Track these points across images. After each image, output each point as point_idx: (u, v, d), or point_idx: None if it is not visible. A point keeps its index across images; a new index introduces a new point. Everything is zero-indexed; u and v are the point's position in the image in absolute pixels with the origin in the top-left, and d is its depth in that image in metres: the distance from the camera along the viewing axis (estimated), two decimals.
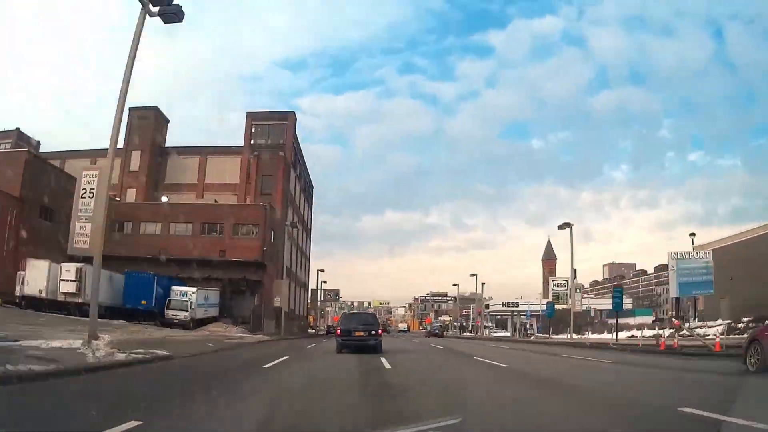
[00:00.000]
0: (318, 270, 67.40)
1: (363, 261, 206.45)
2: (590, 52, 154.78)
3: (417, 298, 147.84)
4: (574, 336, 38.28)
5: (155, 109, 54.01)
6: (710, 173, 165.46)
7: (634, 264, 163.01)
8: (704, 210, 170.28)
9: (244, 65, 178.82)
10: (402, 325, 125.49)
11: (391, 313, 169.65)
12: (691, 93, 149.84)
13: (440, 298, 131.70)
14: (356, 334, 18.38)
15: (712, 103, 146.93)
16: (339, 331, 19.15)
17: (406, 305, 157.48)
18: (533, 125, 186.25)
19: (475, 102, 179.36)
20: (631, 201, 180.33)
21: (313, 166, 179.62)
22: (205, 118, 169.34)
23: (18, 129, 63.30)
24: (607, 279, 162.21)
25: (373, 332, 18.51)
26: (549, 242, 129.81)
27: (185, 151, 52.68)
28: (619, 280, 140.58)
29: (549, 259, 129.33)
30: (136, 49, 13.93)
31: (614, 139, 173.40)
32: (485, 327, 73.98)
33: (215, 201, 47.46)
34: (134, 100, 46.64)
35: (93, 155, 42.59)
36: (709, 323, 31.59)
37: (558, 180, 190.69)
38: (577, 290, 43.35)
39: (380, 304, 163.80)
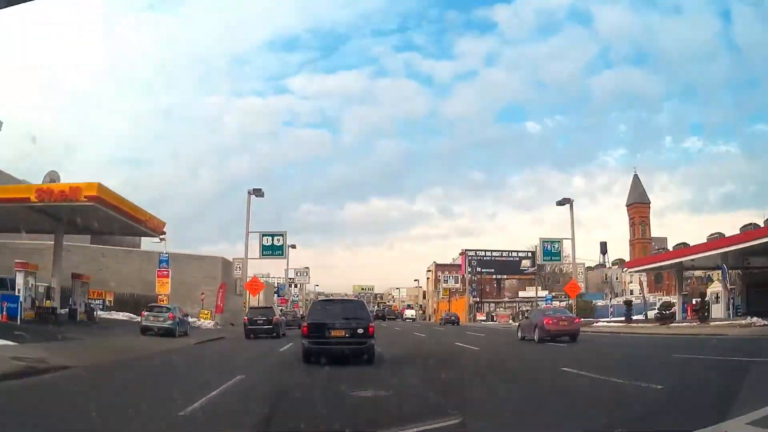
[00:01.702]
0: None
1: (345, 251, 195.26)
2: (596, 30, 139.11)
3: (462, 255, 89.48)
4: None
5: None
6: (705, 159, 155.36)
7: (666, 238, 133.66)
8: (695, 197, 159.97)
9: (230, 45, 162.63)
10: (409, 312, 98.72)
11: (380, 296, 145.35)
12: (692, 76, 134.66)
13: (497, 254, 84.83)
14: (333, 333, 12.52)
15: (712, 87, 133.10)
16: (306, 328, 12.88)
17: (426, 276, 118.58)
18: (530, 108, 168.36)
19: (473, 82, 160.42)
20: (622, 187, 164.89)
21: (299, 152, 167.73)
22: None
23: None
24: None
25: (360, 331, 12.45)
26: (637, 178, 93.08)
27: None
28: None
29: (639, 203, 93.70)
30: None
31: (611, 123, 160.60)
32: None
33: None
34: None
35: None
36: None
37: (551, 166, 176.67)
38: None
39: (362, 289, 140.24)
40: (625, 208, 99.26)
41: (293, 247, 68.92)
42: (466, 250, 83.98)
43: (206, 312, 35.03)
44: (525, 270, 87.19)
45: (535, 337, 21.38)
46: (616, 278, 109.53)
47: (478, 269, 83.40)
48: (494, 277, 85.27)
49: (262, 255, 37.99)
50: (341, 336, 12.60)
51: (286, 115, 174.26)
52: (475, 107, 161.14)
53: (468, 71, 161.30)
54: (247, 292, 37.57)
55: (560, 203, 40.56)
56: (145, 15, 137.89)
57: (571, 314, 25.17)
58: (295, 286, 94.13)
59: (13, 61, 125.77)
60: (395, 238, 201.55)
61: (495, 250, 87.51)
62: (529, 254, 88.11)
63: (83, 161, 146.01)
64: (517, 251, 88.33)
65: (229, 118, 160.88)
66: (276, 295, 79.41)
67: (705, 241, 47.28)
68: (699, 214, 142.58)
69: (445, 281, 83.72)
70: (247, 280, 36.85)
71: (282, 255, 37.96)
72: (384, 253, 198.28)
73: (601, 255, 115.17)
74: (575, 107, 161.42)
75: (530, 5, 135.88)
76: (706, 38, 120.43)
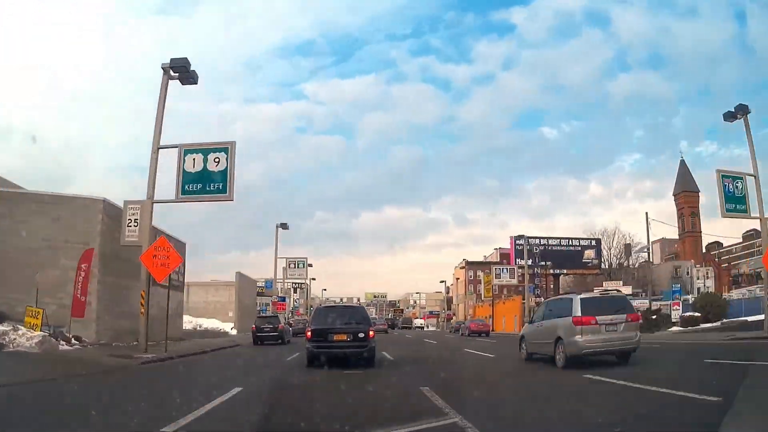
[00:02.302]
0: None
1: (357, 259, 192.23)
2: (613, 33, 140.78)
3: (511, 243, 65.41)
4: None
5: None
6: (717, 163, 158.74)
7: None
8: (707, 201, 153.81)
9: (242, 50, 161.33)
10: (419, 321, 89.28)
11: (395, 304, 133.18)
12: (707, 78, 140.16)
13: (554, 242, 66.85)
14: (336, 338, 13.04)
15: (726, 89, 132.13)
16: (310, 333, 13.44)
17: (456, 277, 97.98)
18: (547, 113, 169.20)
19: (490, 86, 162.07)
20: (636, 193, 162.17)
21: (313, 159, 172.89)
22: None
23: None
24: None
25: (361, 335, 13.04)
26: (684, 165, 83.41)
27: None
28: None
29: (688, 192, 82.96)
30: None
31: (628, 128, 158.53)
32: None
33: None
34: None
35: None
36: None
37: (565, 172, 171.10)
38: None
39: (374, 297, 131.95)
40: (673, 197, 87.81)
41: (284, 226, 48.90)
42: (517, 236, 63.17)
43: (35, 313, 15.08)
44: (588, 263, 67.61)
45: (466, 333, 41.05)
46: (687, 273, 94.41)
47: (536, 262, 63.90)
48: (551, 271, 64.85)
49: (183, 193, 18.10)
50: (343, 340, 13.02)
51: (300, 121, 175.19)
52: (491, 112, 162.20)
53: (485, 75, 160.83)
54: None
55: (730, 116, 25.22)
56: (154, 19, 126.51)
57: (484, 321, 50.27)
58: (300, 288, 78.39)
59: (19, 63, 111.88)
60: (409, 246, 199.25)
61: (552, 238, 68.03)
62: (593, 242, 69.31)
63: (90, 165, 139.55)
64: (578, 239, 69.26)
65: (241, 124, 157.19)
66: (269, 300, 59.93)
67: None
68: (709, 220, 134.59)
69: (497, 276, 61.88)
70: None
71: (225, 192, 17.97)
72: (397, 261, 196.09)
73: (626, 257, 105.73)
74: (591, 112, 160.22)
75: (548, 7, 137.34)
76: (721, 41, 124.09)
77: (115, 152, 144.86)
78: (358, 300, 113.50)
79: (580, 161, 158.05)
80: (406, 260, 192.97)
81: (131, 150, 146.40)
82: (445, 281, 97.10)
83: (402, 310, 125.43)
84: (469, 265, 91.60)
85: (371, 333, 13.26)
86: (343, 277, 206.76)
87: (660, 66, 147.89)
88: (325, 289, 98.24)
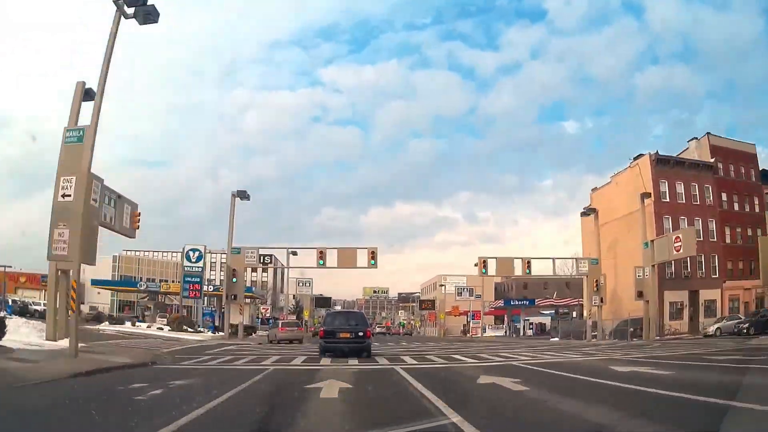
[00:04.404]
0: None
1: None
2: (645, 23, 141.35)
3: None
4: None
5: None
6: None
7: None
8: None
9: (258, 35, 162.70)
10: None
11: (410, 299, 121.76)
12: (734, 74, 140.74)
13: None
14: (341, 335, 17.56)
15: (752, 86, 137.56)
16: (322, 332, 18.09)
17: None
18: (572, 106, 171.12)
19: (516, 76, 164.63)
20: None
21: (325, 151, 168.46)
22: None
23: None
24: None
25: (360, 333, 17.62)
26: None
27: None
28: None
29: None
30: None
31: (651, 124, 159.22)
32: None
33: None
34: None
35: None
36: None
37: (586, 169, 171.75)
38: None
39: (374, 293, 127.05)
40: None
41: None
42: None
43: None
44: None
45: None
46: None
47: None
48: None
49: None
50: (347, 337, 17.42)
51: (315, 109, 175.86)
52: (515, 104, 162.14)
53: (512, 63, 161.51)
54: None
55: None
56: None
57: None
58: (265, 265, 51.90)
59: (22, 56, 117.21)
60: (416, 245, 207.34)
61: None
62: None
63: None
64: None
65: (254, 114, 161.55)
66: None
67: None
68: None
69: None
70: None
71: None
72: (401, 260, 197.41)
73: None
74: (617, 106, 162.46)
75: None
76: (749, 36, 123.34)
77: (124, 146, 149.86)
78: (364, 296, 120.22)
79: (600, 157, 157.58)
80: (411, 258, 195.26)
81: (142, 145, 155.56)
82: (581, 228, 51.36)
83: (433, 302, 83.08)
84: (660, 166, 40.93)
85: (368, 332, 18.01)
86: (344, 275, 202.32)
87: (689, 60, 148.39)
88: (296, 257, 63.88)
